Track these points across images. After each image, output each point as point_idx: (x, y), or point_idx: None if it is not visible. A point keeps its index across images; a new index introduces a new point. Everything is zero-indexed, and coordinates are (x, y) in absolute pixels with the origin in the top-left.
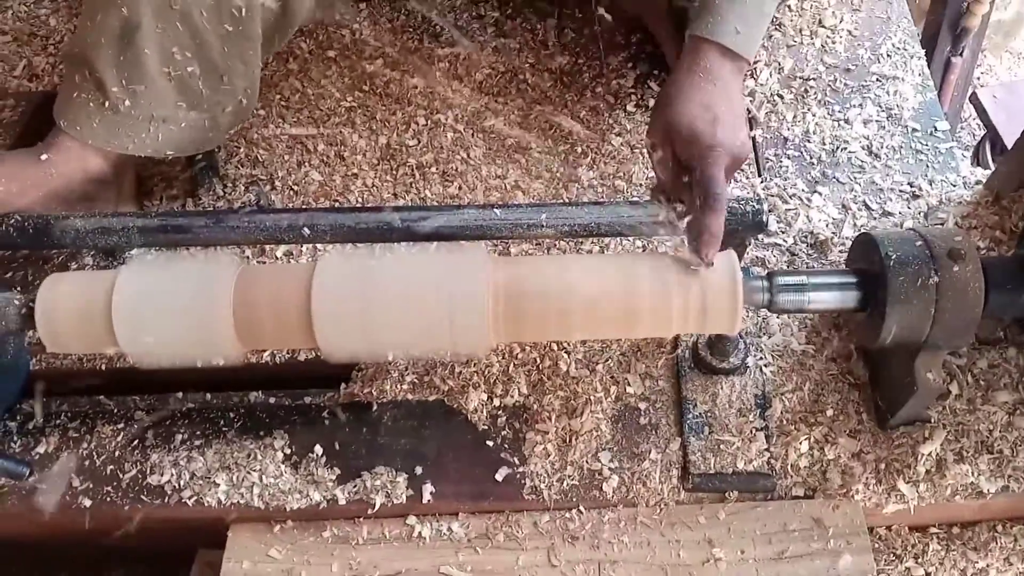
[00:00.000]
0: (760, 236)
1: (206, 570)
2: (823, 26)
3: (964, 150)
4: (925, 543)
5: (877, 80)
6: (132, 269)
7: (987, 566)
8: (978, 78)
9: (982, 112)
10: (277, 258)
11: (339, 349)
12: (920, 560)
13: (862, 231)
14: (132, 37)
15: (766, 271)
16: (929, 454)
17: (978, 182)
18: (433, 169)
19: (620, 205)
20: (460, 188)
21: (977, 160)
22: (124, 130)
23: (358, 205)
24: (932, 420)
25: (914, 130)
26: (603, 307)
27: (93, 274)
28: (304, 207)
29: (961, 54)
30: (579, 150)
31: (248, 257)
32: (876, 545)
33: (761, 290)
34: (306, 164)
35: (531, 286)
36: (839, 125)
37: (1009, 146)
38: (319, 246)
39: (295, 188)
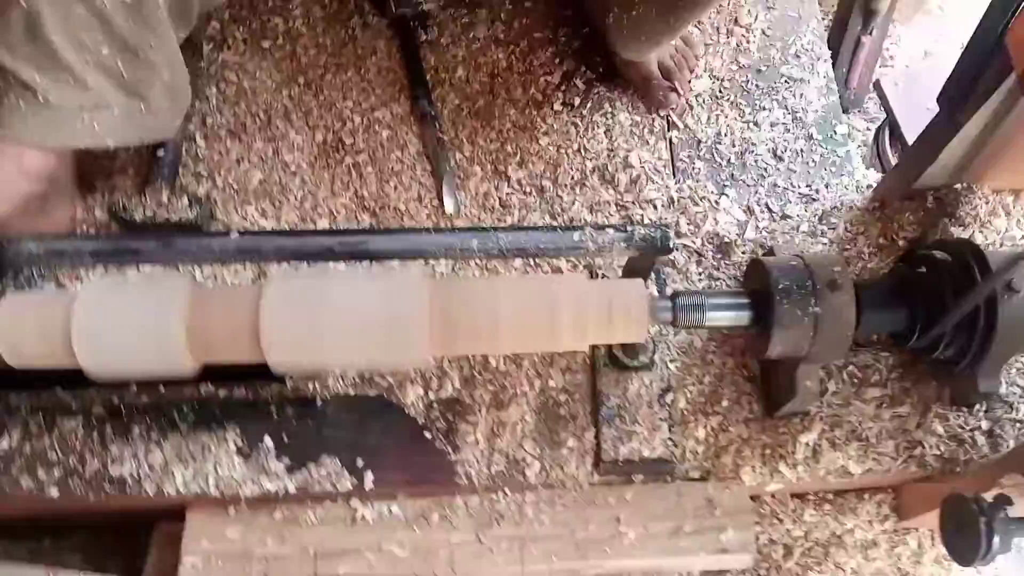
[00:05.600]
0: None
1: (166, 539)
2: (738, 24)
3: (863, 143)
4: (803, 508)
5: (785, 82)
6: (89, 291)
7: (854, 527)
8: (891, 56)
9: (884, 99)
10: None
11: (287, 364)
12: (797, 522)
13: (754, 257)
14: (37, 30)
15: (671, 291)
16: (807, 443)
17: (869, 186)
18: (369, 168)
19: (542, 231)
20: (396, 188)
21: (876, 145)
22: (58, 124)
23: (298, 206)
24: (811, 413)
25: (815, 134)
26: (526, 324)
27: (52, 293)
28: (250, 231)
29: (871, 33)
30: (508, 149)
31: (194, 272)
32: (762, 510)
33: (666, 309)
34: (245, 161)
35: (463, 306)
36: (748, 127)
37: (905, 135)
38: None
39: (235, 186)
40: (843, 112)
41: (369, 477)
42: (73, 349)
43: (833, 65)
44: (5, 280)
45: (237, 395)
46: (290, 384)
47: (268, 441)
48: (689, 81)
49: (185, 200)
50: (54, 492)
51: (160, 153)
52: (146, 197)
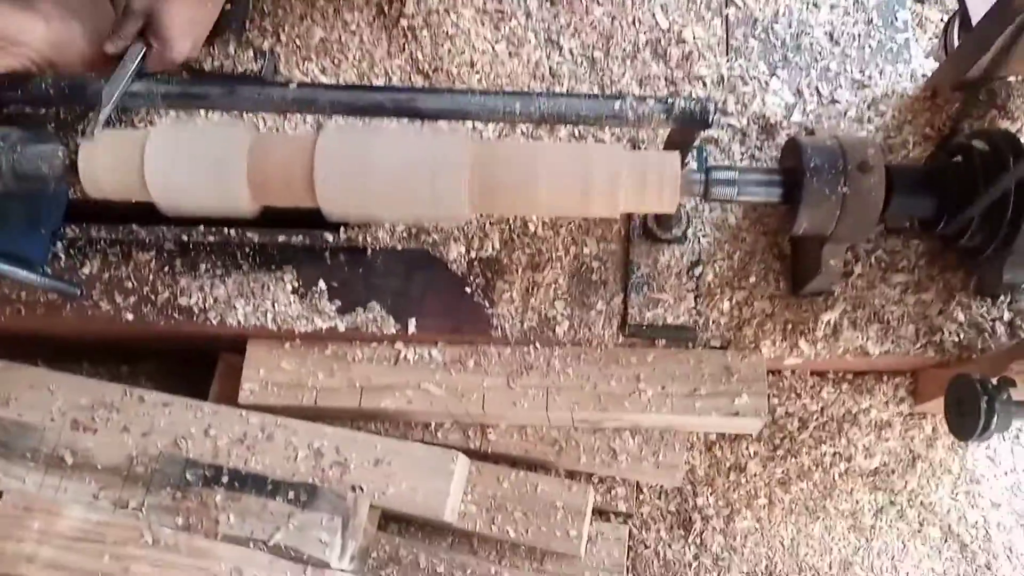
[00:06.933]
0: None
1: (228, 369)
2: None
3: (934, 35)
4: (822, 385)
5: None
6: (161, 131)
7: (869, 406)
8: None
9: None
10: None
11: (337, 209)
12: (814, 398)
13: (791, 136)
14: None
15: (706, 166)
16: (828, 321)
17: (924, 76)
18: (425, 32)
19: (582, 98)
20: (449, 51)
21: (945, 37)
22: None
23: (356, 65)
24: (835, 293)
25: (875, 19)
26: (561, 187)
27: (128, 132)
28: (307, 83)
29: None
30: (562, 19)
31: (257, 122)
32: (781, 384)
33: (698, 182)
34: (308, 18)
35: (503, 166)
36: (807, 8)
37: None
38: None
39: (298, 42)
40: (918, 2)
41: (412, 323)
42: (146, 182)
43: None
44: (87, 119)
45: (295, 241)
46: (344, 234)
47: (322, 284)
48: None
49: (251, 53)
50: (129, 316)
51: (228, 6)
52: (215, 48)
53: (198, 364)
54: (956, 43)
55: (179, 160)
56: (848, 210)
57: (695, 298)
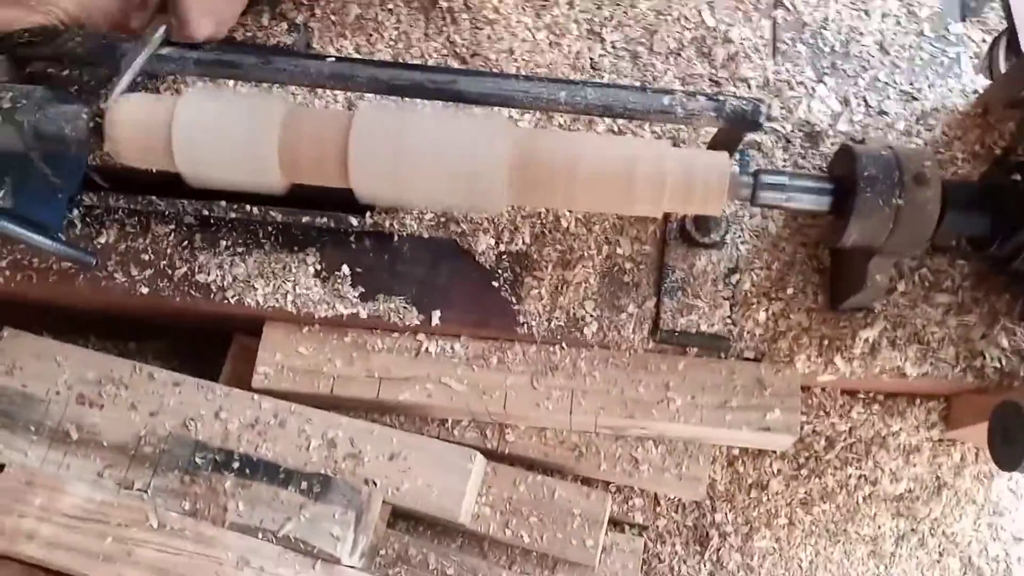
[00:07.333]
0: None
1: (242, 351)
2: None
3: (975, 55)
4: (852, 404)
5: None
6: (192, 97)
7: (899, 429)
8: None
9: (1006, 7)
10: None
11: (370, 192)
12: (844, 417)
13: (844, 144)
14: None
15: (754, 169)
16: (867, 339)
17: (975, 92)
18: (464, 16)
19: (631, 90)
20: (489, 37)
21: (991, 56)
22: None
23: (392, 45)
24: (875, 310)
25: (927, 31)
26: (604, 182)
27: (157, 97)
28: (346, 57)
29: None
30: (605, 12)
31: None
32: (810, 401)
33: (747, 186)
34: None
35: (544, 156)
36: (858, 16)
37: (1023, 46)
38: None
39: (333, 18)
40: (961, 20)
41: (436, 315)
42: (172, 150)
43: None
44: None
45: (319, 222)
46: (370, 218)
47: (345, 268)
48: None
49: (284, 26)
50: (144, 290)
51: None
52: (248, 19)
53: (209, 344)
54: (1002, 63)
55: (209, 129)
56: (901, 223)
57: (731, 306)
